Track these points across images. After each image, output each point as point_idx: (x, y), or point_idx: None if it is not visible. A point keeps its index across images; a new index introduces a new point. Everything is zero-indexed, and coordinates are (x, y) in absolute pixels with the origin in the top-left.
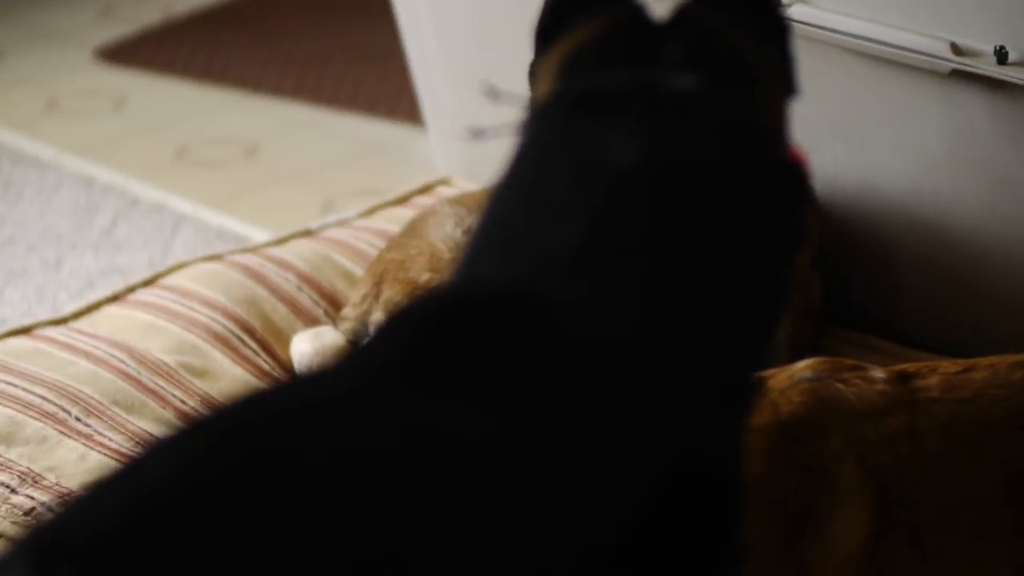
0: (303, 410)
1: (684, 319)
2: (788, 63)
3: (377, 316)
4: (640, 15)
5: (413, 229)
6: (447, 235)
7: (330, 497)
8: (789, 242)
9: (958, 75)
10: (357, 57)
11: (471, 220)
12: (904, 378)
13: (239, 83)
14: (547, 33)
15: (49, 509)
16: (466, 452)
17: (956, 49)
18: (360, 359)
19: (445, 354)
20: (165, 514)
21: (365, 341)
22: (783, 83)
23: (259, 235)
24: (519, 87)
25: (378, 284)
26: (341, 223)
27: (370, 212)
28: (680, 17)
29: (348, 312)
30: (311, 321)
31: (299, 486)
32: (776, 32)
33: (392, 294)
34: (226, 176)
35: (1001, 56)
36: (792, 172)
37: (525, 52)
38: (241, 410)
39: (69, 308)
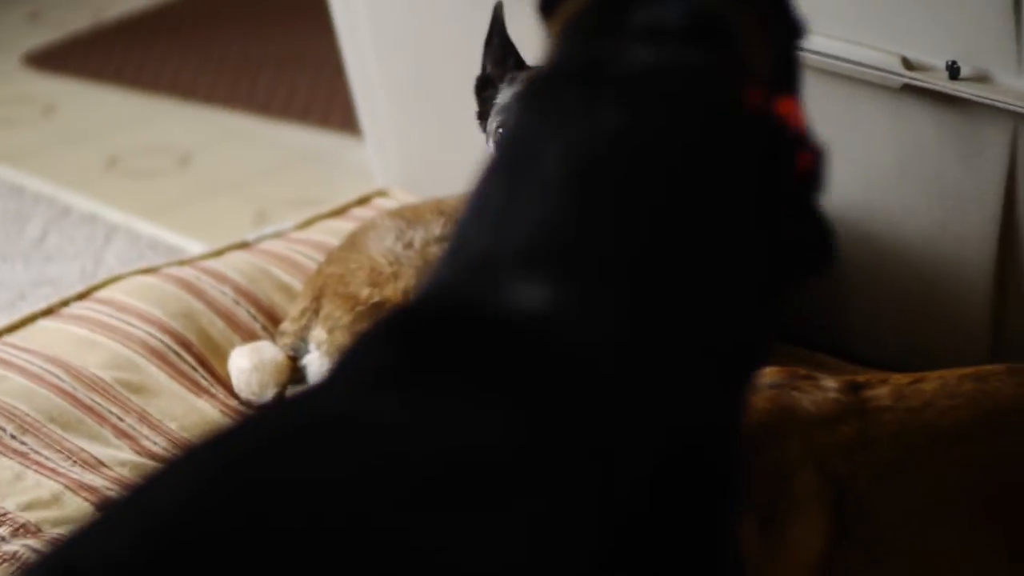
0: (305, 430)
1: (667, 304)
2: (780, 5)
3: (317, 332)
4: None
5: (353, 243)
6: (387, 249)
7: (342, 517)
8: (776, 196)
9: (909, 90)
10: (289, 64)
11: (412, 233)
12: (855, 387)
13: (171, 91)
14: (546, 5)
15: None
16: (471, 457)
17: (907, 64)
18: (347, 374)
19: (431, 362)
20: (177, 543)
21: (306, 356)
22: (777, 27)
23: (193, 246)
24: (457, 95)
25: (317, 299)
26: (277, 235)
27: (307, 224)
28: None
29: (287, 327)
30: (248, 336)
31: (310, 508)
32: None
33: (332, 309)
34: (158, 186)
35: (953, 71)
36: (770, 128)
37: (463, 61)
38: (242, 434)
39: (0, 321)
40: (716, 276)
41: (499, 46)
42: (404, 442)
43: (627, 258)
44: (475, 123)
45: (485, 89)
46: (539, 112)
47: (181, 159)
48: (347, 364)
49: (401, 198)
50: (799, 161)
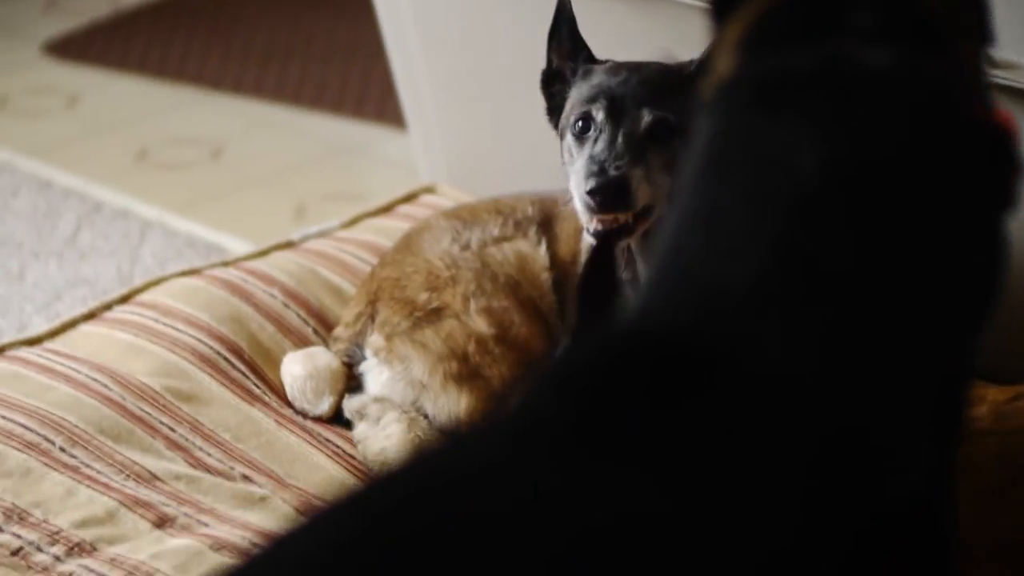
0: (460, 482)
1: (881, 353)
2: (982, 12)
3: (374, 338)
4: None
5: (408, 245)
6: (444, 251)
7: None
8: (1001, 210)
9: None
10: (318, 52)
11: (468, 234)
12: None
13: (197, 80)
14: (724, 4)
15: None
16: (632, 526)
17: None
18: (516, 417)
19: (608, 412)
20: None
21: (362, 364)
22: (978, 36)
23: (231, 242)
24: (507, 88)
25: (372, 303)
26: (323, 234)
27: (353, 222)
28: None
29: (341, 332)
30: (300, 341)
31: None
32: None
33: (389, 314)
34: (191, 179)
35: None
36: (996, 138)
37: (513, 52)
38: (387, 489)
39: (36, 322)
40: (950, 307)
41: (568, 39)
42: (549, 516)
43: (865, 305)
44: (525, 117)
45: (552, 84)
46: (776, 119)
47: (213, 151)
48: (527, 399)
49: (449, 194)
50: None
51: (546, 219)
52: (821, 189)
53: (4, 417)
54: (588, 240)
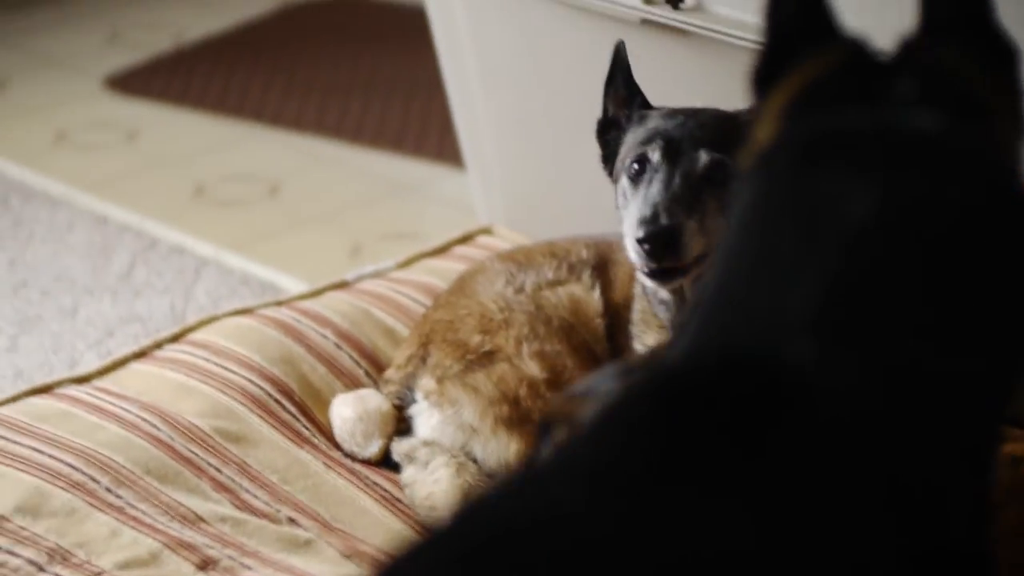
0: (538, 528)
1: (933, 386)
2: (1017, 94)
3: (425, 381)
4: (865, 51)
5: (461, 287)
6: (497, 294)
7: None
8: None
9: (648, 24)
10: (379, 89)
11: (523, 277)
12: (1015, 462)
13: (257, 116)
14: (766, 74)
15: None
16: (720, 561)
17: None
18: (587, 457)
19: (688, 449)
20: None
21: (413, 406)
22: (1013, 116)
23: (285, 281)
24: (566, 132)
25: (424, 345)
26: (378, 274)
27: (408, 263)
28: (906, 51)
29: (392, 374)
30: (351, 382)
31: None
32: (1005, 59)
33: (441, 357)
34: (247, 216)
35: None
36: None
37: (573, 96)
38: (464, 529)
39: (88, 359)
40: (994, 360)
41: (623, 87)
42: (633, 545)
43: (916, 341)
44: (584, 161)
45: (608, 132)
46: (826, 170)
47: (270, 188)
48: (593, 434)
49: (506, 236)
50: None
51: (601, 263)
52: (871, 230)
53: (52, 456)
54: (643, 281)
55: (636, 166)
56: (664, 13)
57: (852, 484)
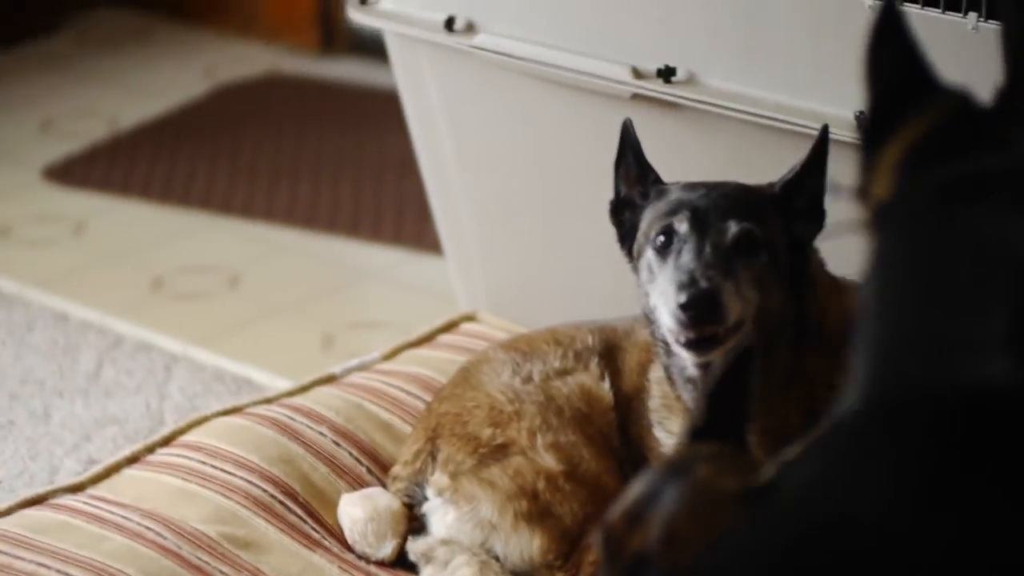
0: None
1: None
2: None
3: (437, 477)
4: (971, 102)
5: (466, 379)
6: (505, 384)
7: None
8: None
9: (639, 99)
10: (326, 172)
11: (529, 367)
12: None
13: (205, 204)
14: (875, 131)
15: None
16: None
17: (636, 73)
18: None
19: (970, 467)
20: None
21: (425, 504)
22: None
23: (260, 376)
24: (548, 215)
25: (432, 440)
26: (364, 367)
27: (393, 354)
28: (1005, 100)
29: (399, 471)
30: (355, 481)
31: None
32: None
33: (452, 452)
34: (210, 309)
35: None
36: None
37: (557, 173)
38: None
39: (68, 464)
40: None
41: (635, 164)
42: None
43: None
44: (569, 244)
45: (622, 212)
46: (989, 207)
47: (230, 279)
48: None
49: (491, 322)
50: None
51: (607, 350)
52: None
53: (60, 572)
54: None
55: (663, 238)
56: (655, 87)
57: None
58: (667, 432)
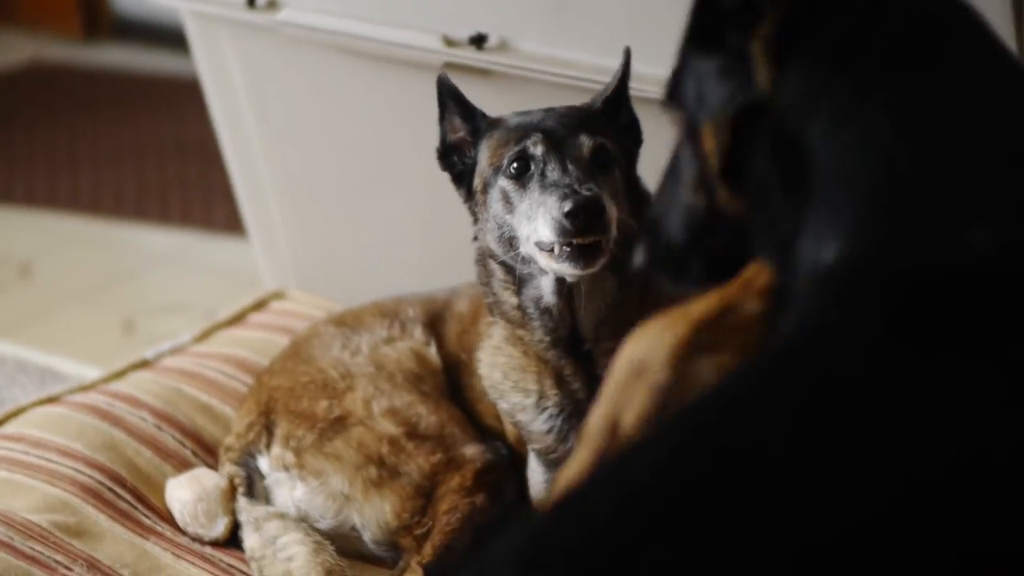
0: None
1: None
2: None
3: (280, 452)
4: None
5: (296, 352)
6: (335, 358)
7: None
8: None
9: (452, 68)
10: (106, 159)
11: (357, 339)
12: None
13: None
14: (730, 31)
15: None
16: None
17: (448, 41)
18: (826, 338)
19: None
20: (650, 513)
21: (269, 476)
22: None
23: (64, 365)
24: (353, 187)
25: (266, 414)
26: (177, 350)
27: (205, 335)
28: None
29: (233, 442)
30: (181, 464)
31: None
32: None
33: (291, 428)
34: (3, 300)
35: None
36: None
37: (366, 147)
38: (715, 402)
39: None
40: None
41: (457, 109)
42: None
43: None
44: (378, 217)
45: (449, 157)
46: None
47: (20, 269)
48: (821, 327)
49: (301, 299)
50: None
51: (430, 320)
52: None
53: None
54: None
55: (517, 164)
56: (468, 54)
57: None
58: (508, 404)
